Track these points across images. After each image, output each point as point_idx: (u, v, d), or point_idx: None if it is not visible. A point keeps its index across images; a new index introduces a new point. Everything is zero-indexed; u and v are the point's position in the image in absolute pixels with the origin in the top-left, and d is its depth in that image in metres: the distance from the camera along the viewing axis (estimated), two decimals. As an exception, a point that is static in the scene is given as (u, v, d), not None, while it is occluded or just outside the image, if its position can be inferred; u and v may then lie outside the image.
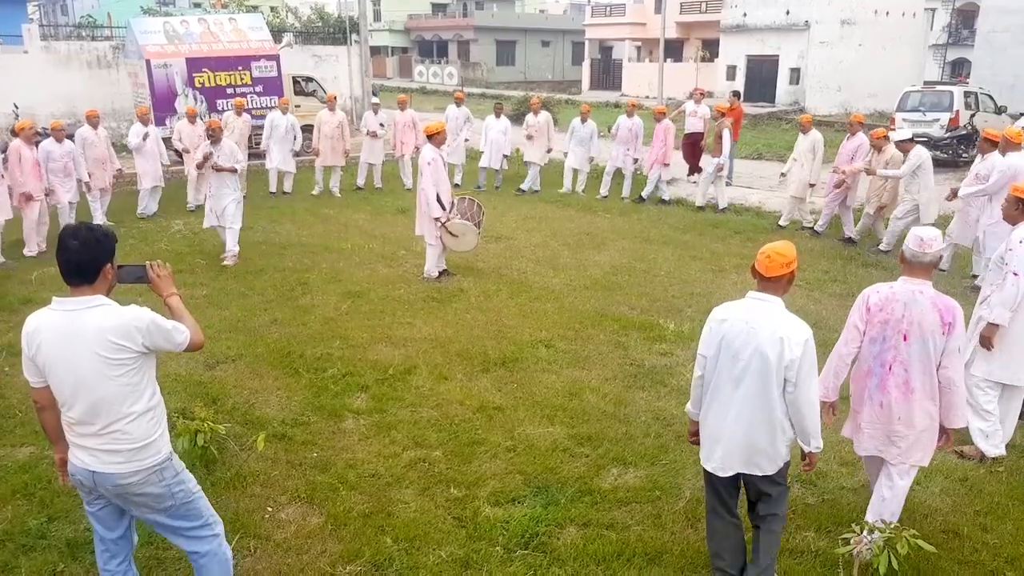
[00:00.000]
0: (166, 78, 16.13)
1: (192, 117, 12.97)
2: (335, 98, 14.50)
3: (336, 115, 13.94)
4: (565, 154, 14.30)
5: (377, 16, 51.40)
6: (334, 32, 23.55)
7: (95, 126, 11.28)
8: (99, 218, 11.22)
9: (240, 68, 16.89)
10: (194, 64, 16.39)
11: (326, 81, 19.79)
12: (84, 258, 2.90)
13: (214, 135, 9.35)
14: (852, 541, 3.74)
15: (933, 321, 3.80)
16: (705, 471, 3.75)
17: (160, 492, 3.09)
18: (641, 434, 5.36)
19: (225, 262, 9.40)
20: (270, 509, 4.46)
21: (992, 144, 8.35)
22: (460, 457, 5.04)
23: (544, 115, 14.48)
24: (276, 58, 17.33)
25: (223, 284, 8.77)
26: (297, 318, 7.63)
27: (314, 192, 14.00)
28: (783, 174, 12.04)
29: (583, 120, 13.96)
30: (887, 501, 4.03)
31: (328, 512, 4.41)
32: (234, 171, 9.29)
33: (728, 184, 14.87)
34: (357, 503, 4.50)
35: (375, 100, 15.18)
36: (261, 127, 14.11)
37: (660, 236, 11.19)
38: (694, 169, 15.31)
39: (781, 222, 11.90)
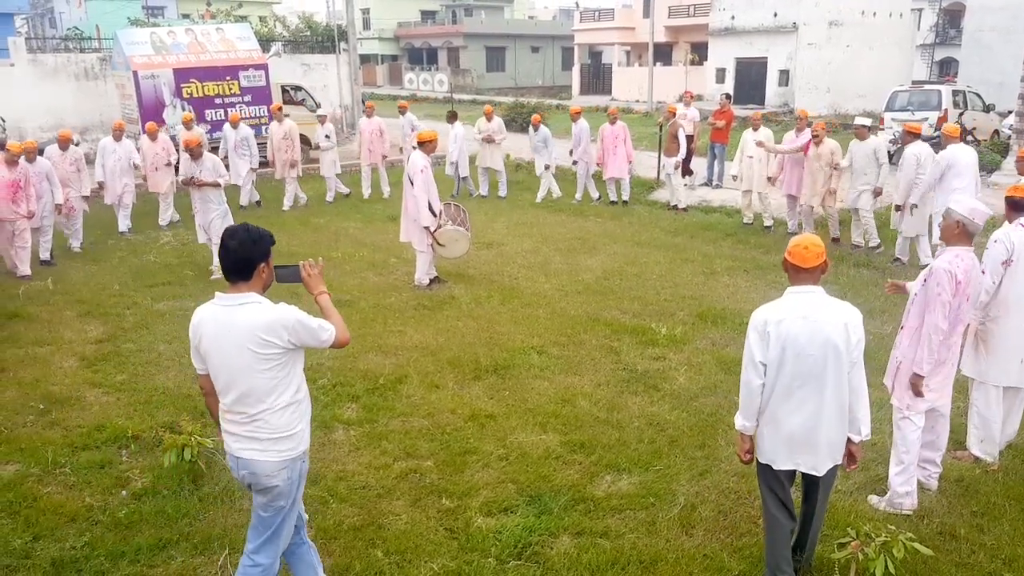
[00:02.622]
0: (154, 89, 16.06)
1: (153, 134, 12.20)
2: (280, 108, 14.22)
3: (284, 125, 13.58)
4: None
5: (366, 24, 51.35)
6: (323, 41, 23.46)
7: (65, 147, 10.64)
8: (77, 241, 10.80)
9: (228, 78, 16.82)
10: (182, 75, 16.32)
11: (315, 90, 19.72)
12: (240, 257, 3.11)
13: (193, 153, 9.01)
14: (849, 546, 3.70)
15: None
16: (766, 472, 3.69)
17: (283, 488, 3.22)
18: (635, 440, 5.31)
19: (214, 275, 9.32)
20: (259, 523, 4.39)
21: (913, 135, 9.38)
22: (452, 467, 4.98)
23: (497, 120, 14.59)
24: (264, 67, 17.28)
25: (212, 295, 8.67)
26: (287, 328, 7.55)
27: (284, 208, 13.57)
28: (735, 176, 12.02)
29: (535, 127, 14.06)
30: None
31: (318, 525, 4.34)
32: (217, 185, 9.07)
33: (717, 187, 14.92)
34: (347, 516, 4.44)
35: (321, 113, 14.72)
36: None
37: (651, 240, 11.16)
38: (685, 171, 15.31)
39: (745, 220, 11.99)
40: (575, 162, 13.84)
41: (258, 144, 13.79)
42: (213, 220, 9.15)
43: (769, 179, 11.43)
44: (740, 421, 3.67)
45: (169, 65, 16.27)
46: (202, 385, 3.35)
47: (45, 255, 10.04)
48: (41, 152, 10.13)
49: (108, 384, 6.35)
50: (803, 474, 3.68)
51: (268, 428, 3.14)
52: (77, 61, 18.94)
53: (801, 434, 3.54)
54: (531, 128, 14.28)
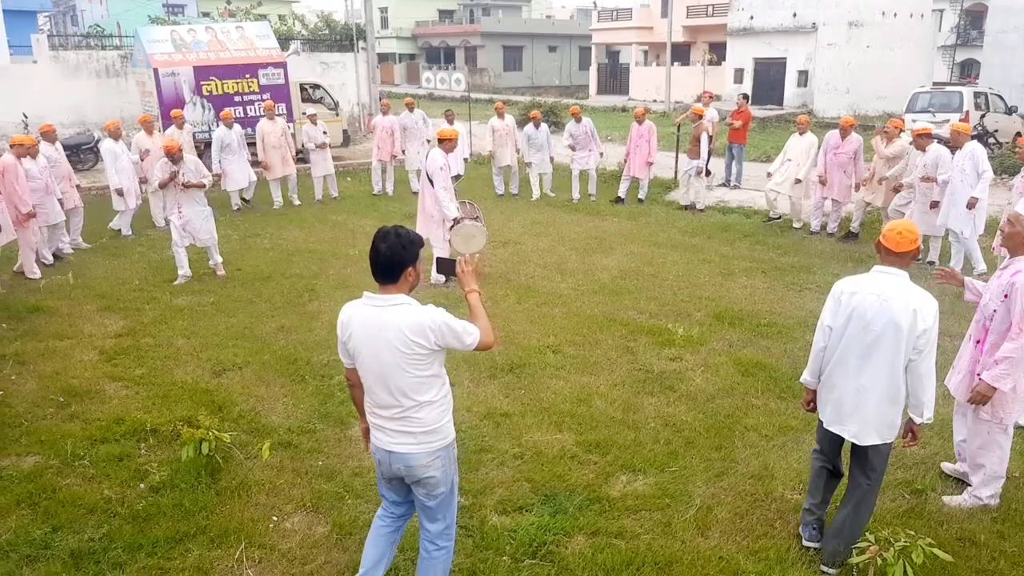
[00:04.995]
0: (174, 86, 16.16)
1: (148, 128, 11.94)
2: (273, 106, 14.18)
3: (277, 124, 13.55)
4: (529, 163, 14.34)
5: (384, 23, 51.55)
6: (341, 39, 23.61)
7: (52, 141, 10.35)
8: (67, 240, 10.47)
9: (247, 76, 16.91)
10: (201, 72, 16.42)
11: (333, 88, 19.81)
12: (390, 260, 3.16)
13: (173, 157, 8.80)
14: (867, 551, 3.66)
15: None
16: (820, 425, 4.04)
17: (440, 476, 3.34)
18: (650, 440, 5.29)
19: (218, 273, 9.35)
20: (275, 518, 4.42)
21: (927, 138, 9.44)
22: (467, 465, 4.98)
23: (509, 119, 14.65)
24: (283, 66, 17.35)
25: (231, 291, 8.76)
26: (304, 324, 7.60)
27: (275, 207, 13.52)
28: (769, 173, 12.01)
29: (536, 125, 14.11)
30: None
31: (334, 521, 4.36)
32: (202, 187, 8.97)
33: (735, 187, 14.85)
34: (363, 512, 4.45)
35: (311, 112, 14.59)
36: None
37: (668, 240, 11.12)
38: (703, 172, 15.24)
39: (772, 215, 12.05)
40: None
41: (248, 144, 13.59)
42: (192, 220, 8.97)
43: (797, 179, 11.41)
44: (804, 374, 4.06)
45: (189, 63, 16.37)
46: (348, 377, 3.49)
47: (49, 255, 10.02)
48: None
49: (127, 378, 6.40)
50: (851, 450, 3.91)
51: (420, 423, 3.24)
52: (98, 58, 19.12)
53: (849, 402, 3.80)
54: (531, 125, 14.17)
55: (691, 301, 8.33)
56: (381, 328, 3.15)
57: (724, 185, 15.15)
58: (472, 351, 3.33)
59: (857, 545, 3.76)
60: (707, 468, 4.94)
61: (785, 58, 31.65)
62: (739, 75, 33.26)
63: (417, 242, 3.26)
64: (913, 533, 3.69)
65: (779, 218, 11.93)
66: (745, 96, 16.36)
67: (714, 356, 6.79)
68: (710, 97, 15.66)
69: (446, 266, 3.49)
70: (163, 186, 8.97)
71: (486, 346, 3.32)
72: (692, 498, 4.60)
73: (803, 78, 31.42)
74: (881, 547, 3.64)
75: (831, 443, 4.02)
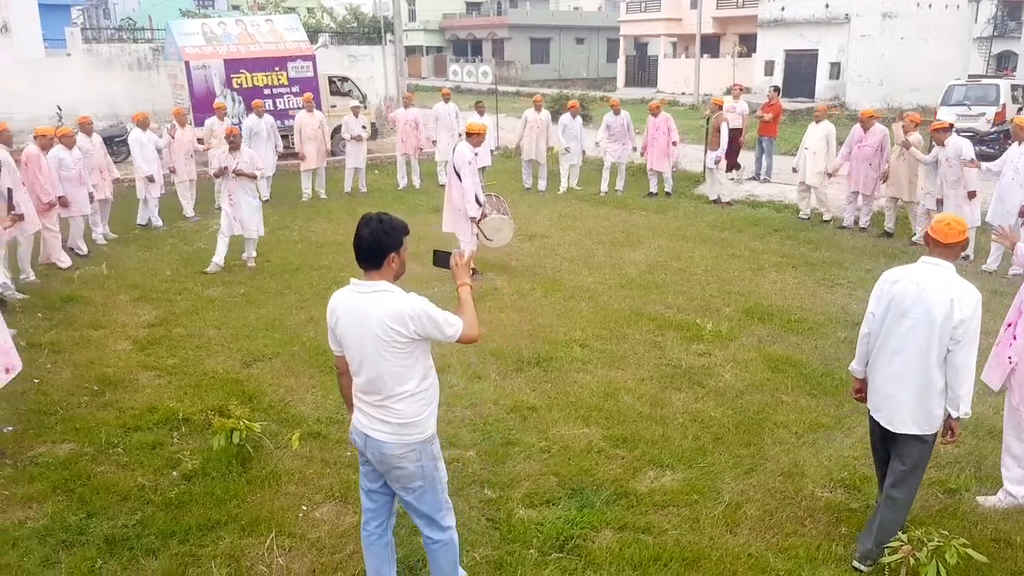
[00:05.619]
0: (204, 79, 16.34)
1: (181, 120, 12.14)
2: (311, 99, 14.37)
3: (315, 116, 13.75)
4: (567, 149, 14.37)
5: (412, 16, 51.65)
6: (369, 32, 23.70)
7: (89, 133, 10.48)
8: (99, 231, 10.75)
9: (277, 69, 17.05)
10: (232, 65, 16.58)
11: (361, 81, 19.89)
12: (372, 246, 3.16)
13: (234, 142, 9.07)
14: (900, 550, 3.62)
15: None
16: (869, 413, 4.07)
17: (413, 471, 3.30)
18: (678, 436, 5.26)
19: (249, 265, 9.46)
20: (304, 508, 4.46)
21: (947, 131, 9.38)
22: (494, 457, 4.99)
23: (545, 113, 14.57)
24: (312, 58, 17.46)
25: (261, 283, 8.85)
26: (332, 316, 7.64)
27: (303, 199, 13.68)
28: (795, 169, 11.92)
29: (574, 115, 14.11)
30: None
31: (362, 511, 4.39)
32: (254, 177, 9.16)
33: (765, 181, 14.69)
34: (391, 503, 4.47)
35: (354, 104, 14.78)
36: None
37: (697, 234, 11.03)
38: (732, 165, 15.11)
39: (801, 215, 11.83)
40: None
41: (282, 135, 13.92)
42: (249, 214, 9.17)
43: (828, 174, 11.31)
44: (852, 363, 4.12)
45: (220, 56, 16.54)
46: (336, 365, 3.49)
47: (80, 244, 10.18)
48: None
49: (160, 367, 6.49)
50: (889, 438, 3.93)
51: (397, 414, 3.23)
52: (131, 51, 19.38)
53: (885, 388, 3.87)
54: (568, 115, 14.18)
55: (720, 296, 8.26)
56: (364, 315, 3.15)
57: (754, 179, 14.99)
58: (457, 343, 3.28)
59: (889, 544, 3.72)
60: (736, 464, 4.90)
61: (817, 50, 31.18)
62: (769, 67, 32.84)
63: (400, 229, 3.23)
64: (947, 533, 3.65)
65: (808, 218, 11.73)
66: (776, 88, 16.13)
67: (743, 352, 6.73)
68: (740, 90, 15.50)
69: (441, 259, 3.51)
70: (218, 175, 9.13)
71: (469, 339, 3.29)
72: (721, 494, 4.56)
73: (835, 70, 30.94)
74: (914, 547, 3.60)
75: (876, 431, 4.05)
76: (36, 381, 6.14)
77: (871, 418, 4.02)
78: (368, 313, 3.14)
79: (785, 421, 5.47)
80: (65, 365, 6.53)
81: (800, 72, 31.84)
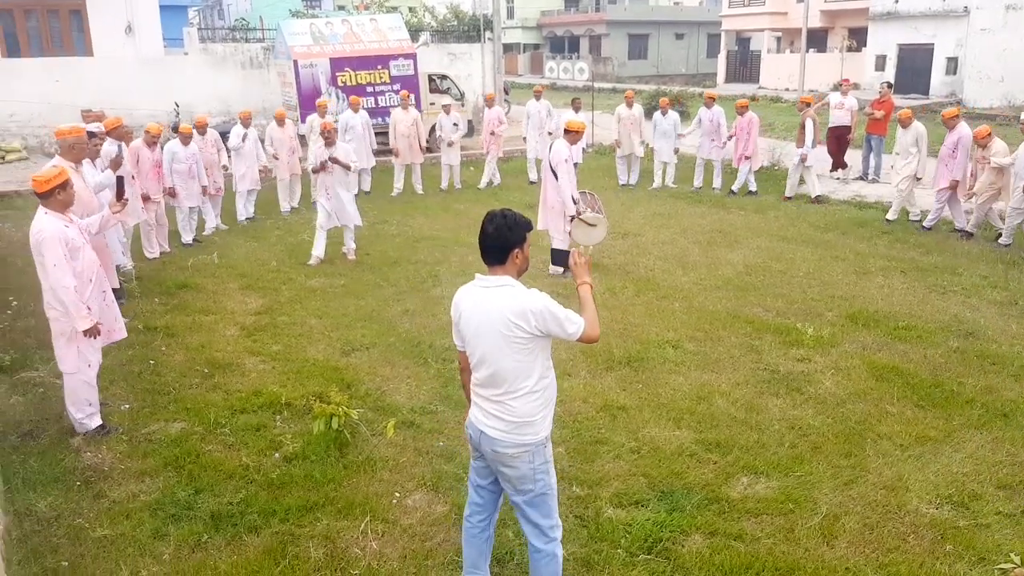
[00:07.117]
0: (311, 78, 16.94)
1: (281, 120, 12.35)
2: (409, 95, 14.65)
3: (410, 113, 13.98)
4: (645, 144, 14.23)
5: (510, 13, 51.94)
6: (468, 30, 23.97)
7: (202, 133, 10.91)
8: (212, 222, 11.24)
9: (379, 67, 17.51)
10: (337, 64, 17.13)
11: (460, 79, 20.17)
12: (496, 242, 3.21)
13: (329, 137, 9.32)
14: (1011, 573, 3.42)
15: None
16: None
17: (525, 473, 3.30)
18: (774, 443, 5.12)
19: (349, 257, 9.75)
20: (397, 495, 4.58)
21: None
22: (583, 455, 4.99)
23: (637, 108, 14.46)
24: (413, 57, 17.84)
25: (360, 275, 9.12)
26: (428, 309, 7.81)
27: (393, 193, 13.94)
28: (917, 177, 11.39)
29: (663, 112, 13.94)
30: None
31: (452, 501, 4.48)
32: (348, 168, 9.38)
33: (874, 181, 14.07)
34: (480, 495, 4.54)
35: (445, 103, 14.92)
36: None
37: (799, 235, 10.68)
38: (839, 164, 14.56)
39: (889, 216, 11.36)
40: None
41: (377, 133, 14.29)
42: (346, 206, 9.44)
43: (917, 178, 10.94)
44: None
45: (326, 55, 17.11)
46: (460, 361, 3.51)
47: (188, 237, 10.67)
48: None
49: (265, 353, 6.79)
50: None
51: (512, 412, 3.24)
52: (243, 51, 20.28)
53: None
54: (659, 113, 14.03)
55: (822, 300, 7.97)
56: (487, 309, 3.18)
57: (861, 179, 14.38)
58: (578, 342, 3.27)
59: (1001, 566, 3.52)
60: (835, 475, 4.72)
61: (932, 44, 29.54)
62: (880, 62, 31.33)
63: (524, 225, 3.24)
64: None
65: (894, 219, 11.25)
66: (889, 84, 15.40)
67: (846, 359, 6.47)
68: (849, 85, 14.90)
69: (561, 257, 3.48)
70: (316, 172, 9.45)
71: (590, 339, 3.27)
72: (818, 505, 4.42)
73: (952, 65, 29.23)
74: (1028, 571, 3.39)
75: None
76: (152, 363, 6.53)
77: None
78: (491, 307, 3.17)
79: (889, 432, 5.23)
80: (178, 348, 6.91)
81: (914, 67, 30.24)
